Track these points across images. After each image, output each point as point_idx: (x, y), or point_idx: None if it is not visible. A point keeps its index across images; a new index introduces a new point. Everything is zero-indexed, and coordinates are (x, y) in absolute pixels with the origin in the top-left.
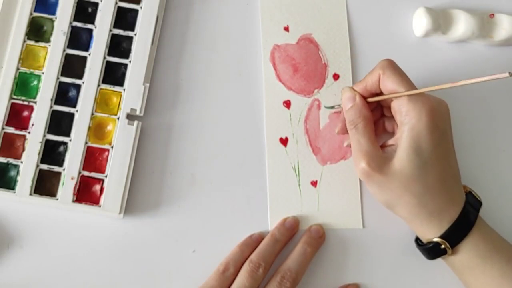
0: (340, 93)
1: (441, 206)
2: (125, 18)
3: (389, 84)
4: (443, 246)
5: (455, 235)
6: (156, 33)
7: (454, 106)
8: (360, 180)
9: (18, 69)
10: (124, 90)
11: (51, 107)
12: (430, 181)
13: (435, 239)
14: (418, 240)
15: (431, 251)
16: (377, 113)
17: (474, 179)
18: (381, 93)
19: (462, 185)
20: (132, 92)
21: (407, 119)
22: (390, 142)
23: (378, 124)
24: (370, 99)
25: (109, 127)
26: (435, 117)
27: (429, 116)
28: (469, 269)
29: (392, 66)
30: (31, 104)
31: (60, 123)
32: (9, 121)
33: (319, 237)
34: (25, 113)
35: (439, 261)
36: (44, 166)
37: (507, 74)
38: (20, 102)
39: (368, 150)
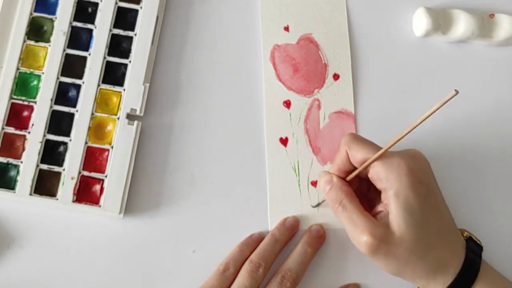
0: (339, 93)
1: (445, 259)
2: (125, 18)
3: (358, 156)
4: None
5: (462, 285)
6: (156, 33)
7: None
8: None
9: (18, 69)
10: (124, 90)
11: (51, 107)
12: (430, 237)
13: None
14: None
15: None
16: (364, 187)
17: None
18: (355, 169)
19: (459, 232)
20: (132, 92)
21: (388, 184)
22: (379, 209)
23: (371, 196)
24: (348, 178)
25: (109, 127)
26: (415, 174)
27: (409, 176)
28: None
29: (355, 138)
30: (31, 104)
31: (60, 123)
32: (9, 121)
33: (320, 237)
34: (25, 113)
35: None
36: (44, 166)
37: (453, 92)
38: (20, 102)
39: (365, 224)
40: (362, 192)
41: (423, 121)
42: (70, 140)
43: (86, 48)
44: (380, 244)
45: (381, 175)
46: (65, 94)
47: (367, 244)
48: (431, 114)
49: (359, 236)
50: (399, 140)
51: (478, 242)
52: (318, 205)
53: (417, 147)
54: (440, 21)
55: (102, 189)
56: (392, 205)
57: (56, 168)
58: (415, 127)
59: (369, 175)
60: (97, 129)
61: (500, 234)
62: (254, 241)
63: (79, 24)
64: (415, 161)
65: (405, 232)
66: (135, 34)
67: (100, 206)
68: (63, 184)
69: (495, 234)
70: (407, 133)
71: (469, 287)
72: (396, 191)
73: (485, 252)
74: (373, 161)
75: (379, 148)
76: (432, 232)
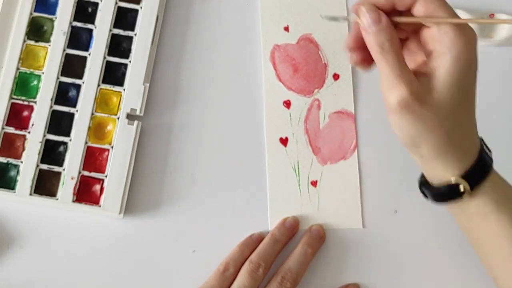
0: (339, 93)
1: (466, 145)
2: (125, 18)
3: (430, 9)
4: (461, 188)
5: (475, 175)
6: (156, 33)
7: None
8: (360, 180)
9: (18, 69)
10: (124, 90)
11: (51, 107)
12: (464, 118)
13: (454, 180)
14: (425, 184)
15: (446, 194)
16: (402, 34)
17: None
18: (405, 14)
19: (477, 130)
20: (132, 92)
21: (452, 48)
22: (423, 70)
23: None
24: (399, 19)
25: (109, 127)
26: (476, 51)
27: (475, 50)
28: (482, 218)
29: None
30: (31, 104)
31: (60, 123)
32: (9, 121)
33: (320, 238)
34: (25, 113)
35: (438, 261)
36: (44, 166)
37: None
38: (20, 102)
39: (407, 77)
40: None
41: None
42: (70, 140)
43: (86, 48)
44: (415, 103)
45: (447, 37)
46: (65, 94)
47: (402, 97)
48: None
49: (397, 87)
50: (485, 22)
51: (487, 146)
52: (334, 18)
53: None
54: None
55: (102, 189)
56: (444, 70)
57: (56, 168)
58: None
59: (425, 33)
60: (97, 129)
61: None
62: (254, 241)
63: (79, 24)
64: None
65: (447, 99)
66: (135, 34)
67: (100, 206)
68: (63, 184)
69: None
70: (499, 22)
71: (482, 178)
72: (458, 58)
73: None
74: (443, 22)
75: (453, 10)
76: (466, 115)
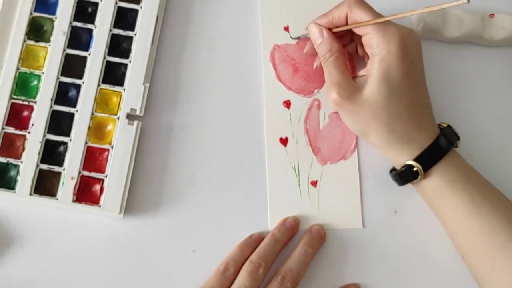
0: None
1: (411, 132)
2: (125, 18)
3: (357, 18)
4: (415, 168)
5: (427, 159)
6: (156, 33)
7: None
8: (360, 180)
9: (18, 69)
10: (124, 90)
11: (51, 107)
12: (398, 109)
13: (408, 162)
14: (392, 171)
15: (404, 174)
16: (347, 39)
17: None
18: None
19: (432, 116)
20: (132, 92)
21: (377, 50)
22: (362, 73)
23: (349, 48)
24: (335, 30)
25: (109, 127)
26: (405, 46)
27: (399, 46)
28: (439, 196)
29: (359, 1)
30: (31, 104)
31: (60, 123)
32: (9, 121)
33: (320, 238)
34: (25, 113)
35: (438, 261)
36: (44, 166)
37: (465, 0)
38: (20, 102)
39: (339, 81)
40: (351, 53)
41: (427, 11)
42: (70, 140)
43: (86, 48)
44: (345, 102)
45: (373, 41)
46: (65, 94)
47: (334, 99)
48: (436, 9)
49: (331, 90)
50: (399, 17)
51: (455, 132)
52: (298, 37)
53: None
54: (440, 21)
55: (102, 189)
56: (374, 69)
57: (56, 168)
58: (418, 13)
59: (363, 40)
60: (97, 129)
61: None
62: (254, 241)
63: (79, 24)
64: (409, 35)
65: (375, 95)
66: (135, 34)
67: (100, 206)
68: (63, 184)
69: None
70: (409, 14)
71: (434, 161)
72: (383, 57)
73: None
74: (365, 24)
75: (379, 14)
76: (403, 106)
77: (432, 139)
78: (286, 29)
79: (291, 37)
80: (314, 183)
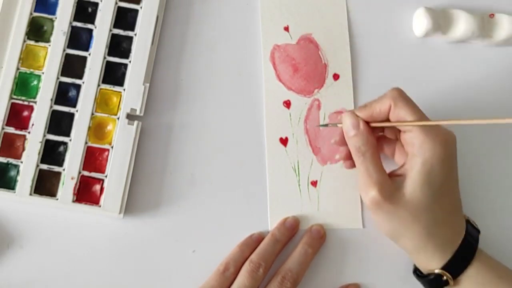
0: (339, 94)
1: (447, 237)
2: (125, 18)
3: (402, 115)
4: (444, 277)
5: (457, 265)
6: (156, 33)
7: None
8: None
9: (18, 69)
10: (124, 90)
11: (51, 107)
12: (439, 212)
13: (437, 271)
14: (417, 271)
15: (433, 282)
16: (382, 145)
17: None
18: (386, 120)
19: (463, 215)
20: (132, 92)
21: (420, 151)
22: (399, 172)
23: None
24: (374, 125)
25: (109, 127)
26: (447, 150)
27: (443, 150)
28: None
29: (404, 97)
30: (31, 104)
31: (60, 123)
32: (9, 121)
33: (320, 238)
34: (25, 113)
35: None
36: (44, 166)
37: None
38: (20, 102)
39: (378, 178)
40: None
41: (489, 123)
42: (70, 140)
43: (86, 48)
44: (385, 202)
45: (416, 140)
46: (65, 94)
47: (373, 198)
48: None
49: (369, 188)
50: (450, 123)
51: (476, 226)
52: (325, 125)
53: None
54: (440, 21)
55: (102, 189)
56: (415, 171)
57: (56, 168)
58: (473, 123)
59: (403, 135)
60: (97, 129)
61: (496, 223)
62: (254, 241)
63: (79, 24)
64: (450, 138)
65: (417, 197)
66: (135, 34)
67: (100, 206)
68: (63, 184)
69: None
70: (464, 123)
71: (464, 267)
72: (426, 160)
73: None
74: (410, 125)
75: (423, 113)
76: (442, 210)
77: (460, 241)
78: (286, 29)
79: (319, 126)
80: (314, 183)
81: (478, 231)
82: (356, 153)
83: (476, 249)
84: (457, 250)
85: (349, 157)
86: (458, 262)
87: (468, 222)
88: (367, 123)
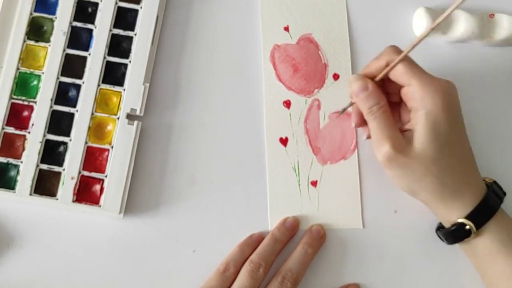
0: (339, 94)
1: (462, 186)
2: (125, 18)
3: (399, 70)
4: (468, 227)
5: (480, 216)
6: (156, 33)
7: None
8: (360, 180)
9: (18, 69)
10: (124, 90)
11: (51, 107)
12: (449, 162)
13: (460, 220)
14: (439, 229)
15: (456, 232)
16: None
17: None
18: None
19: (477, 170)
20: (132, 92)
21: (422, 104)
22: (407, 127)
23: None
24: (377, 79)
25: (109, 127)
26: (448, 99)
27: (444, 100)
28: (491, 256)
29: (399, 52)
30: (31, 104)
31: (60, 123)
32: (9, 121)
33: (320, 238)
34: (25, 113)
35: (438, 261)
36: (44, 166)
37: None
38: (20, 102)
39: (390, 134)
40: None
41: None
42: (70, 140)
43: (86, 48)
44: (398, 155)
45: (417, 95)
46: (65, 94)
47: (387, 153)
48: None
49: (383, 143)
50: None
51: (501, 188)
52: (344, 110)
53: None
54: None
55: (102, 189)
56: (420, 123)
57: (56, 168)
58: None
59: (403, 92)
60: (97, 129)
61: None
62: (254, 241)
63: (79, 24)
64: (450, 88)
65: (426, 148)
66: (135, 34)
67: (100, 206)
68: (63, 184)
69: None
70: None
71: (487, 219)
72: (429, 112)
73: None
74: (396, 64)
75: (416, 64)
76: (452, 158)
77: (482, 195)
78: (286, 29)
79: (339, 114)
80: (314, 183)
81: (504, 193)
82: (368, 113)
83: (498, 206)
84: (480, 203)
85: None
86: (481, 214)
87: (494, 183)
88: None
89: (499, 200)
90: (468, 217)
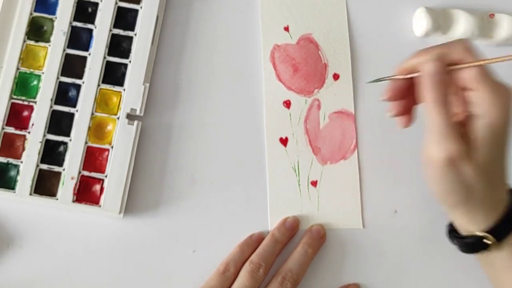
0: (339, 94)
1: (496, 200)
2: (125, 18)
3: (471, 74)
4: (485, 240)
5: (502, 228)
6: (156, 33)
7: None
8: (360, 180)
9: (18, 69)
10: (124, 90)
11: (51, 107)
12: (495, 176)
13: (478, 233)
14: (454, 232)
15: (470, 245)
16: None
17: None
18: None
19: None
20: (132, 92)
21: (489, 112)
22: (464, 129)
23: None
24: (454, 67)
25: (109, 127)
26: (510, 111)
27: (510, 110)
28: (509, 269)
29: (469, 51)
30: (31, 104)
31: (60, 123)
32: (9, 121)
33: (320, 238)
34: (25, 113)
35: (438, 261)
36: (44, 166)
37: None
38: (20, 102)
39: (456, 133)
40: None
41: None
42: (70, 140)
43: (86, 48)
44: (462, 160)
45: (483, 102)
46: (65, 94)
47: (450, 152)
48: None
49: (445, 141)
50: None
51: None
52: (378, 80)
53: (416, 147)
54: (440, 21)
55: (102, 189)
56: (484, 132)
57: (56, 168)
58: None
59: (470, 94)
60: (97, 129)
61: None
62: (254, 241)
63: (79, 24)
64: None
65: (487, 161)
66: (135, 34)
67: (100, 206)
68: (63, 184)
69: None
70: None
71: (509, 231)
72: (492, 123)
73: None
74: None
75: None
76: (500, 171)
77: (506, 207)
78: (286, 29)
79: (368, 82)
80: (314, 183)
81: None
82: (436, 101)
83: None
84: (504, 214)
85: (404, 112)
86: (504, 226)
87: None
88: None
89: None
90: (490, 231)
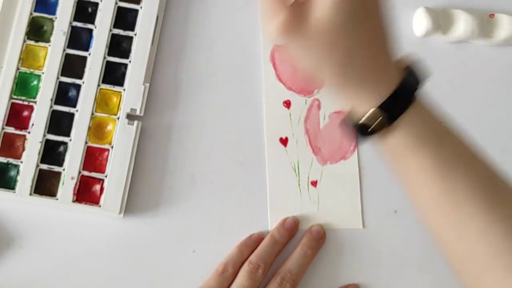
0: None
1: (378, 73)
2: (125, 18)
3: None
4: (381, 117)
5: (394, 106)
6: (156, 33)
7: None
8: (360, 180)
9: (18, 69)
10: (124, 90)
11: (51, 107)
12: (357, 40)
13: (372, 110)
14: (349, 120)
15: (364, 128)
16: None
17: None
18: None
19: (391, 54)
20: (132, 92)
21: None
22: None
23: None
24: None
25: (109, 127)
26: None
27: None
28: (406, 152)
29: None
30: (31, 104)
31: (60, 123)
32: (9, 121)
33: (320, 238)
34: (25, 113)
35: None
36: (44, 166)
37: None
38: (20, 102)
39: (286, 3)
40: None
41: None
42: (70, 140)
43: (86, 48)
44: (296, 25)
45: None
46: (65, 94)
47: (283, 20)
48: None
49: (276, 11)
50: None
51: (416, 76)
52: None
53: None
54: (440, 21)
55: (102, 189)
56: None
57: (56, 168)
58: None
59: None
60: (97, 129)
61: None
62: (254, 242)
63: (79, 24)
64: None
65: (328, 23)
66: (135, 34)
67: (100, 206)
68: (63, 184)
69: None
70: None
71: (399, 113)
72: None
73: None
74: None
75: None
76: (361, 36)
77: (397, 83)
78: None
79: None
80: (314, 183)
81: (425, 76)
82: None
83: (414, 96)
84: (395, 90)
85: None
86: (395, 103)
87: (410, 67)
88: None
89: (415, 89)
90: (381, 108)
